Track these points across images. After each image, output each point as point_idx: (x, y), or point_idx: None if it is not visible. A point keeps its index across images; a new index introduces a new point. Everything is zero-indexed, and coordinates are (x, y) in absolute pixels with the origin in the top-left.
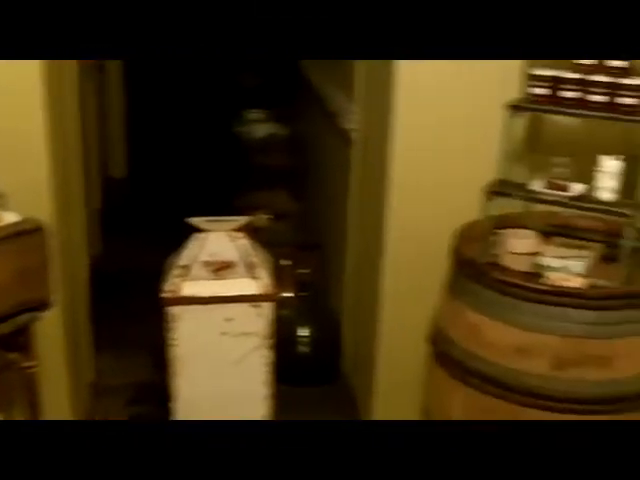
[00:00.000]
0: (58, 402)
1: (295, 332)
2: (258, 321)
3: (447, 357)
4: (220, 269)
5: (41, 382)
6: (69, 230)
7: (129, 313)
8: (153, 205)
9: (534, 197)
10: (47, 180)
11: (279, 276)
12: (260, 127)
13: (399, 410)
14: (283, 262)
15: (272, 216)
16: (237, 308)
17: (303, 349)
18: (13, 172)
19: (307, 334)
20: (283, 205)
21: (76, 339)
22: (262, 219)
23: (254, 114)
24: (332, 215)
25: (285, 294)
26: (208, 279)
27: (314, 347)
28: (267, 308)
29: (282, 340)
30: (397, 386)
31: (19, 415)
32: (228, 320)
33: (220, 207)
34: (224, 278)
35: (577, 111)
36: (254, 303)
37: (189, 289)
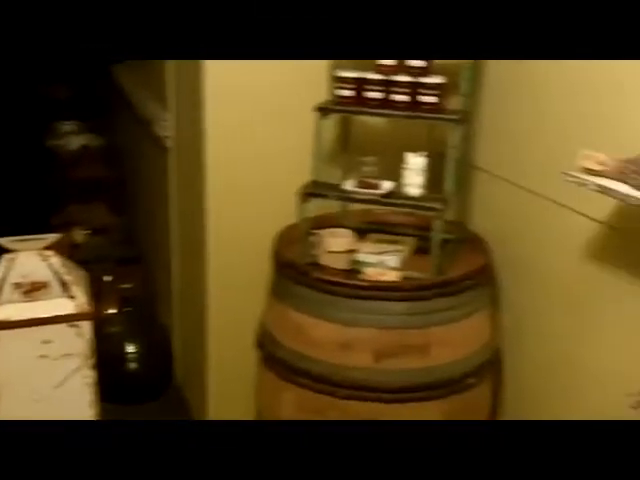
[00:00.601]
0: None
1: (123, 349)
2: (78, 341)
3: (275, 359)
4: (32, 290)
5: None
6: None
7: None
8: None
9: (347, 197)
10: None
11: (101, 293)
12: (74, 139)
13: (234, 415)
14: (105, 278)
15: (90, 231)
16: (54, 329)
17: (132, 365)
18: None
19: (135, 350)
20: (102, 219)
21: None
22: (79, 234)
23: (67, 126)
24: (153, 226)
25: (109, 311)
26: (21, 301)
27: (143, 362)
28: (86, 327)
29: (110, 358)
30: (230, 393)
31: None
32: (46, 342)
33: (36, 225)
34: (38, 299)
35: (382, 111)
36: (72, 323)
37: (1, 313)
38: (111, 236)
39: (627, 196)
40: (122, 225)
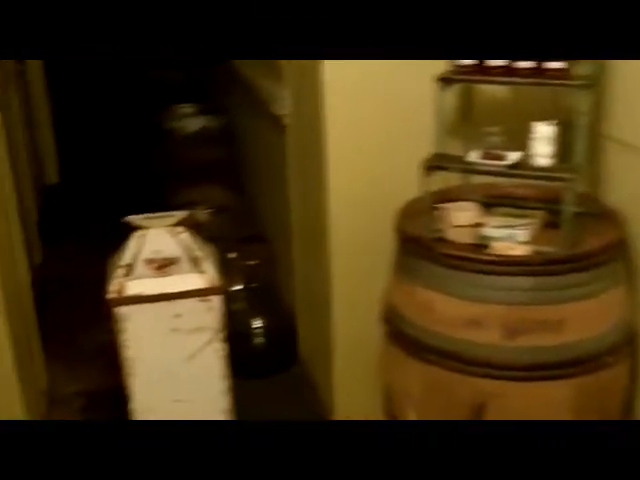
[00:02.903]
0: (12, 412)
1: (249, 324)
2: (208, 315)
3: (401, 335)
4: (164, 266)
5: None
6: (5, 240)
7: (75, 320)
8: (89, 208)
9: (472, 169)
10: None
11: (226, 270)
12: (191, 121)
13: (359, 391)
14: (229, 255)
15: (212, 210)
16: (185, 304)
17: (258, 340)
18: None
19: (261, 325)
20: (220, 199)
21: (25, 348)
22: (202, 214)
23: (184, 109)
24: (274, 204)
25: (234, 287)
26: (153, 277)
27: (269, 337)
28: (216, 301)
29: (236, 334)
30: (355, 367)
31: None
32: (177, 316)
33: (156, 206)
34: (169, 274)
35: (506, 79)
36: (202, 297)
37: (134, 288)
38: (232, 215)
39: None
40: (242, 204)
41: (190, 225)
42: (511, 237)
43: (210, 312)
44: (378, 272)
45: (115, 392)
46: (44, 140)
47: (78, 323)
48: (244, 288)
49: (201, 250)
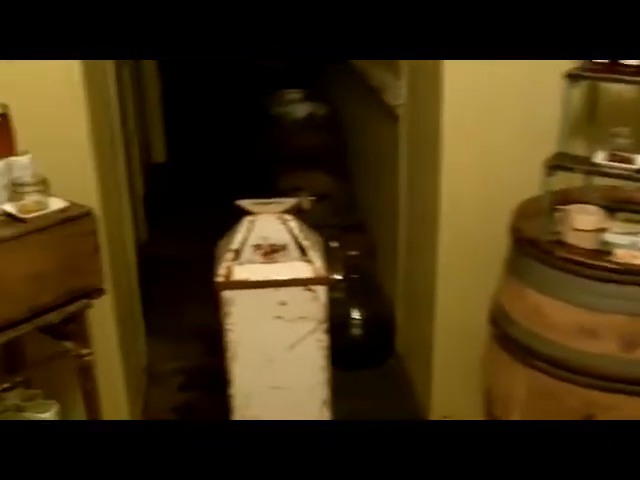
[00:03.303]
0: (114, 389)
1: (348, 315)
2: (313, 305)
3: (509, 338)
4: (271, 252)
5: (96, 370)
6: (116, 216)
7: (177, 299)
8: (194, 189)
9: (597, 170)
10: (92, 166)
11: (328, 258)
12: (298, 107)
13: (457, 390)
14: (331, 244)
15: (315, 197)
16: (291, 292)
17: (356, 331)
18: (57, 159)
19: (359, 316)
20: (324, 186)
21: (129, 325)
22: (306, 201)
23: (291, 94)
24: (379, 194)
25: (335, 276)
26: (260, 262)
27: (366, 329)
28: (321, 291)
29: (334, 323)
30: (454, 365)
31: (75, 403)
32: (282, 304)
33: (261, 190)
34: (276, 261)
35: (638, 79)
36: (308, 287)
37: (241, 273)
38: (335, 203)
39: None
40: (346, 192)
41: (296, 212)
42: (635, 245)
43: (315, 302)
44: (487, 271)
45: (213, 373)
46: (153, 119)
47: (180, 302)
48: (344, 278)
49: (308, 239)
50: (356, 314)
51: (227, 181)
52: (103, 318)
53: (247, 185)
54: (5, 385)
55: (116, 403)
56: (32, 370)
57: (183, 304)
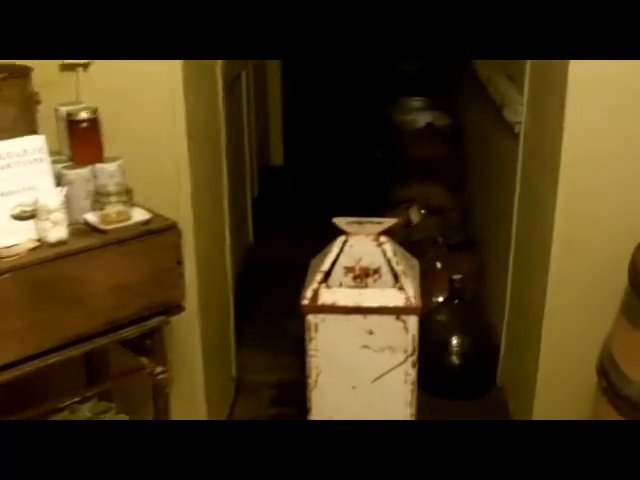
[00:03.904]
0: (194, 399)
1: (446, 340)
2: (402, 336)
3: (619, 394)
4: (363, 276)
5: (176, 379)
6: (212, 225)
7: (280, 306)
8: (307, 194)
9: None
10: (185, 175)
11: (431, 279)
12: (419, 116)
13: None
14: (437, 264)
15: (425, 211)
16: (380, 320)
17: (454, 359)
18: (151, 166)
19: (459, 343)
20: (438, 200)
21: (219, 334)
22: (416, 214)
23: (414, 102)
24: (494, 213)
25: (437, 298)
26: (350, 286)
27: (467, 357)
28: (412, 322)
29: (432, 347)
30: (556, 406)
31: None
32: (369, 333)
33: (373, 199)
34: (367, 286)
35: None
36: (398, 316)
37: (328, 297)
38: (446, 218)
39: None
40: (459, 208)
41: (403, 225)
42: None
43: (404, 333)
44: (600, 312)
45: (303, 391)
46: (274, 122)
47: (282, 311)
48: (447, 300)
49: (403, 264)
50: (457, 340)
51: (342, 187)
52: (187, 328)
53: (361, 193)
54: (81, 396)
55: (195, 414)
56: (112, 382)
57: (285, 312)
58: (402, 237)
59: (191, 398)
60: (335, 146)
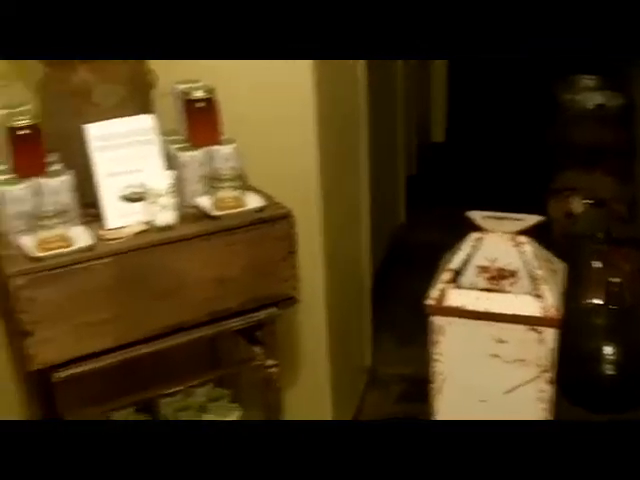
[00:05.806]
0: (319, 390)
1: (599, 347)
2: (537, 348)
3: None
4: (497, 278)
5: (301, 371)
6: (346, 205)
7: (421, 294)
8: (466, 173)
9: None
10: (315, 165)
11: (587, 279)
12: (590, 96)
13: None
14: (594, 264)
15: (590, 202)
16: (512, 329)
17: (609, 369)
18: (281, 154)
19: (614, 352)
20: (603, 190)
21: (350, 322)
22: (578, 204)
23: (585, 80)
24: None
25: (592, 300)
26: (481, 289)
27: (623, 367)
28: (549, 334)
29: (583, 352)
30: None
31: (257, 413)
32: (500, 342)
33: (536, 184)
34: (500, 290)
35: None
36: (534, 326)
37: (457, 299)
38: (612, 211)
39: None
40: (626, 200)
41: (565, 215)
42: None
43: (540, 345)
44: None
45: None
46: (437, 99)
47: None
48: (604, 305)
49: (545, 268)
50: (611, 349)
51: (503, 168)
52: (312, 318)
53: (524, 177)
54: (197, 381)
55: (320, 406)
56: (222, 371)
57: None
58: (561, 230)
59: (315, 388)
60: (501, 125)
